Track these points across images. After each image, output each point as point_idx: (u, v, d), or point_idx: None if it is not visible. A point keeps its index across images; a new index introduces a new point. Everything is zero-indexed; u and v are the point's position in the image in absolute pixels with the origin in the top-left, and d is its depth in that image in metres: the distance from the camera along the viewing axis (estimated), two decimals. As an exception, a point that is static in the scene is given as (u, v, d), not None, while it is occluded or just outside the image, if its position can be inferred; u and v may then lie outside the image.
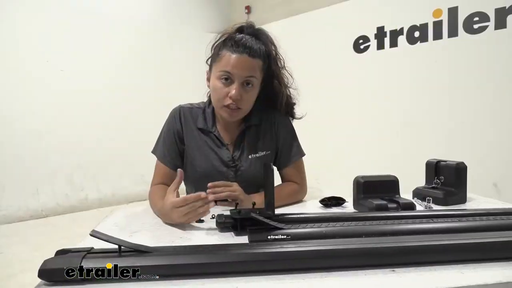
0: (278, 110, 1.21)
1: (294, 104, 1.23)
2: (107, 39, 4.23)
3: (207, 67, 1.15)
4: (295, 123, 1.28)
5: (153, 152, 1.20)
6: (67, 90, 3.90)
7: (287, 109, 1.22)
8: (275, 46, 1.13)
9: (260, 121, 1.20)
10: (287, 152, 1.23)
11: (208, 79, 1.12)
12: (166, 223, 0.92)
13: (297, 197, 1.20)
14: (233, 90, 1.02)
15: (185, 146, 1.18)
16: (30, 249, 2.76)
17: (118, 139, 4.31)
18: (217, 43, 1.10)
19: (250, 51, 1.02)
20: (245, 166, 1.16)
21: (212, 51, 1.11)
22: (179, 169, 0.89)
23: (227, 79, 1.03)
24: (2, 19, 3.50)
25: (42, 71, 3.74)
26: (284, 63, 1.17)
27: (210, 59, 1.12)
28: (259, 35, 1.10)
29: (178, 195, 0.87)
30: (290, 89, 1.20)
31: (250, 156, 1.17)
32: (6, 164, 3.55)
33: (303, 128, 1.42)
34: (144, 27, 4.57)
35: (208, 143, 1.17)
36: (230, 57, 1.02)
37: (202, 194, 0.83)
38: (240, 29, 1.10)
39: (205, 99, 1.24)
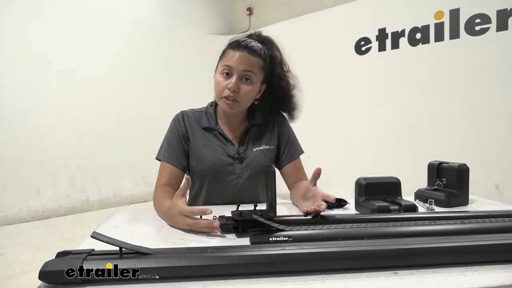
0: (284, 111, 1.28)
1: (298, 106, 1.29)
2: (108, 40, 4.24)
3: (211, 70, 1.23)
4: (297, 124, 1.31)
5: (157, 157, 1.21)
6: (68, 91, 3.91)
7: (293, 110, 1.28)
8: (280, 52, 1.21)
9: (262, 121, 1.26)
10: (290, 149, 1.28)
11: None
12: (170, 225, 0.91)
13: None
14: (231, 83, 1.10)
15: (190, 146, 1.21)
16: (31, 250, 2.76)
17: (119, 140, 4.31)
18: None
19: (249, 49, 1.11)
20: (251, 158, 1.21)
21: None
22: (186, 176, 0.88)
23: (228, 73, 1.12)
24: (3, 21, 3.51)
25: (43, 72, 3.75)
26: (289, 68, 1.24)
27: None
28: (264, 40, 1.18)
29: (186, 199, 0.87)
30: (296, 91, 1.27)
31: (255, 149, 1.23)
32: (8, 165, 3.55)
33: (305, 130, 1.42)
34: (146, 29, 4.58)
35: (214, 140, 1.22)
36: (231, 54, 1.12)
37: (208, 210, 0.82)
38: (249, 36, 1.18)
39: (205, 104, 1.31)
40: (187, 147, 1.20)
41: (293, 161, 1.27)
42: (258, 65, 1.13)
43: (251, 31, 1.20)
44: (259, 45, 1.14)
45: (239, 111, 1.19)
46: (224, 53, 1.15)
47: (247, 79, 1.12)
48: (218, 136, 1.22)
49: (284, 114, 1.29)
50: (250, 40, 1.14)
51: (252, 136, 1.25)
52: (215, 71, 1.20)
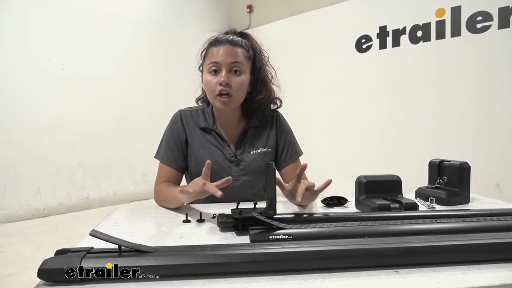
0: (262, 103, 1.22)
1: (277, 98, 1.27)
2: (108, 39, 4.23)
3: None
4: (297, 122, 1.30)
5: (156, 157, 1.23)
6: (68, 89, 3.91)
7: (270, 103, 1.25)
8: (258, 43, 1.21)
9: (260, 123, 1.24)
10: (290, 150, 1.27)
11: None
12: (168, 223, 0.91)
13: None
14: (221, 77, 1.09)
15: (188, 147, 1.21)
16: (31, 248, 2.76)
17: (119, 138, 4.31)
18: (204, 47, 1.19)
19: (231, 41, 1.12)
20: (247, 161, 1.20)
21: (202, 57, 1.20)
22: (207, 161, 0.90)
23: (216, 70, 1.11)
24: (2, 19, 3.50)
25: (43, 70, 3.74)
26: (268, 60, 1.23)
27: (201, 65, 1.21)
28: (241, 34, 1.19)
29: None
30: (274, 86, 1.25)
31: (252, 152, 1.21)
32: (8, 162, 3.55)
33: (305, 128, 1.42)
34: (146, 27, 4.57)
35: (211, 141, 1.21)
36: (214, 50, 1.11)
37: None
38: (226, 33, 1.19)
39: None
40: (185, 148, 1.21)
41: (292, 162, 1.26)
42: (243, 55, 1.12)
43: (228, 30, 1.20)
44: (239, 37, 1.15)
45: (234, 108, 1.17)
46: (206, 52, 1.15)
47: (236, 70, 1.11)
48: (215, 137, 1.21)
49: (262, 108, 1.24)
50: (229, 35, 1.15)
51: (249, 139, 1.23)
52: (201, 73, 1.20)
